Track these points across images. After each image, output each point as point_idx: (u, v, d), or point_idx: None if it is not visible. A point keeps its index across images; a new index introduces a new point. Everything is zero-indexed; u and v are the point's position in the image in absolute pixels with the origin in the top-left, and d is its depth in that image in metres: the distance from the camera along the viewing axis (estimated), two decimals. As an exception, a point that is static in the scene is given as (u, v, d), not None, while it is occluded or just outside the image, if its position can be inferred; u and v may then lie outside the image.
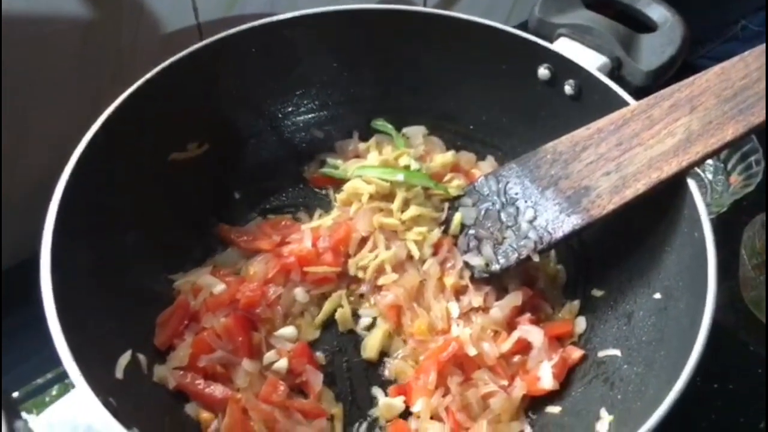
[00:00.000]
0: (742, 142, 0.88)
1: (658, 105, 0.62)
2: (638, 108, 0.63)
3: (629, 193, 0.61)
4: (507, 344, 0.65)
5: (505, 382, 0.63)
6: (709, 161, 0.91)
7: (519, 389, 0.63)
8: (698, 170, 0.91)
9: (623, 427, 0.52)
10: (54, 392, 0.66)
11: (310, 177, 0.80)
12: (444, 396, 0.62)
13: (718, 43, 1.04)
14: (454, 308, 0.68)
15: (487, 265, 0.68)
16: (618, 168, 0.62)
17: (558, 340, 0.66)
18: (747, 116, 0.59)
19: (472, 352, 0.64)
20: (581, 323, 0.68)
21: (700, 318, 0.52)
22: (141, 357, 0.60)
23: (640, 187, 0.60)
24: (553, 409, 0.62)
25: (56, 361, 0.48)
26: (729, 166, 0.91)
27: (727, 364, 0.74)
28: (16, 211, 0.75)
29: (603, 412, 0.57)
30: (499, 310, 0.67)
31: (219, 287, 0.68)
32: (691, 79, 0.62)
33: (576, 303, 0.69)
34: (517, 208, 0.67)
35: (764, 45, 0.61)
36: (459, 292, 0.69)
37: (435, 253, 0.71)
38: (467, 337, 0.64)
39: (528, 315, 0.67)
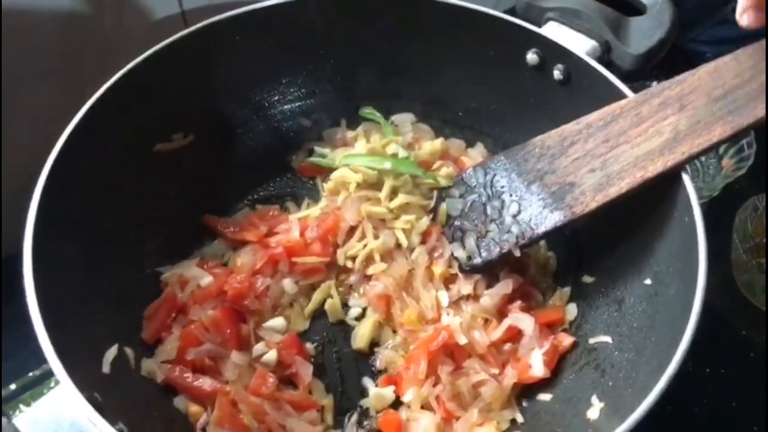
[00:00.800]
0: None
1: (648, 102, 0.62)
2: (627, 105, 0.62)
3: (613, 192, 0.60)
4: (497, 332, 0.65)
5: (496, 371, 0.63)
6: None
7: (510, 377, 0.62)
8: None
9: (614, 414, 0.52)
10: (44, 390, 0.65)
11: (298, 166, 0.80)
12: (434, 385, 0.62)
13: (708, 25, 1.03)
14: (444, 297, 0.67)
15: (469, 258, 0.67)
16: (603, 166, 0.61)
17: (549, 328, 0.66)
18: (735, 117, 0.58)
19: (462, 340, 0.63)
20: (572, 310, 0.67)
21: (691, 304, 0.51)
22: (128, 351, 0.60)
23: (623, 185, 0.60)
24: (545, 397, 0.62)
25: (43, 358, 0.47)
26: (721, 149, 0.90)
27: (719, 349, 0.74)
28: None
29: (594, 399, 0.57)
30: (489, 298, 0.66)
31: (206, 279, 0.67)
32: (682, 75, 0.61)
33: (567, 290, 0.69)
34: (503, 202, 0.66)
35: (756, 43, 0.60)
36: (448, 281, 0.69)
37: (423, 242, 0.70)
38: (457, 325, 0.64)
39: (519, 302, 0.67)
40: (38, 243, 0.53)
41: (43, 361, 0.46)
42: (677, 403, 0.68)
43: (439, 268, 0.68)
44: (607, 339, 0.62)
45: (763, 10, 0.57)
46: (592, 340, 0.63)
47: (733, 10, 1.00)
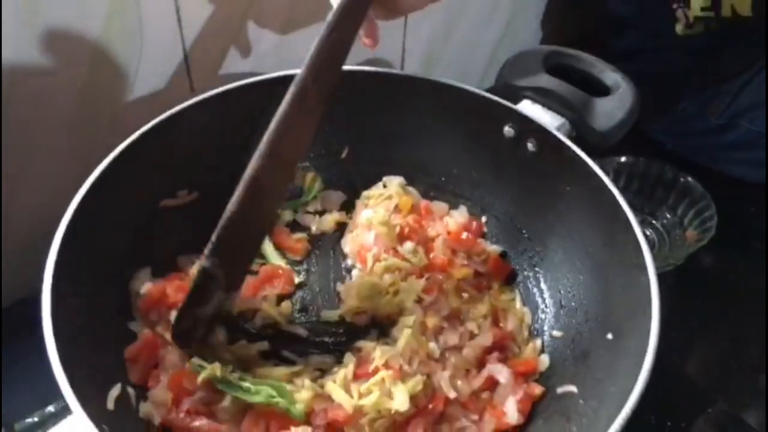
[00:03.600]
0: (698, 199, 0.96)
1: None
2: None
3: None
4: (477, 381, 0.69)
5: (476, 417, 0.67)
6: (668, 217, 0.99)
7: (489, 424, 0.66)
8: (658, 226, 0.99)
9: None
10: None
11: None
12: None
13: (664, 121, 1.14)
14: (435, 349, 0.71)
15: None
16: None
17: (523, 377, 0.70)
18: None
19: (452, 394, 0.67)
20: (545, 360, 0.72)
21: (644, 355, 0.57)
22: (130, 391, 0.64)
23: None
24: (512, 445, 0.67)
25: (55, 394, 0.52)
26: (685, 222, 0.98)
27: (680, 404, 0.80)
28: (16, 251, 0.79)
29: (558, 445, 0.62)
30: (471, 349, 0.71)
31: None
32: None
33: (539, 342, 0.74)
34: None
35: None
36: (437, 332, 0.73)
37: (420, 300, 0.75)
38: (447, 379, 0.68)
39: (496, 354, 0.72)
40: (55, 290, 0.58)
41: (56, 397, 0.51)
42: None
43: (432, 320, 0.73)
44: (573, 389, 0.67)
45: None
46: (559, 390, 0.68)
47: (683, 110, 1.12)
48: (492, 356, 0.71)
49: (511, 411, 0.66)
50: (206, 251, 0.63)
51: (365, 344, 0.71)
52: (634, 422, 0.70)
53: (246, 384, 0.65)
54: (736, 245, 0.98)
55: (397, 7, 0.67)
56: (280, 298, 0.77)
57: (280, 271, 0.78)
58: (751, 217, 1.04)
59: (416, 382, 0.65)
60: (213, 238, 0.63)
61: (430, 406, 0.66)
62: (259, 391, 0.64)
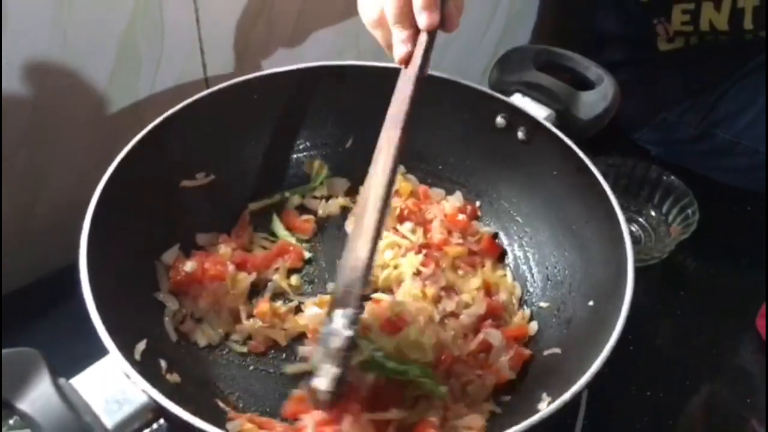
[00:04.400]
0: (681, 197, 1.03)
1: None
2: None
3: None
4: (474, 343, 0.75)
5: (479, 372, 0.73)
6: (653, 214, 1.06)
7: (491, 377, 0.72)
8: (644, 223, 1.07)
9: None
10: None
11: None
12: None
13: (647, 129, 1.21)
14: (435, 314, 0.78)
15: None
16: None
17: (515, 341, 0.76)
18: None
19: (455, 352, 0.74)
20: (534, 326, 0.79)
21: (619, 313, 0.64)
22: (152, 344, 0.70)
23: None
24: (506, 398, 0.73)
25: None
26: (670, 219, 1.05)
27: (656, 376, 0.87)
28: (45, 233, 0.86)
29: (544, 395, 0.67)
30: (467, 316, 0.78)
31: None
32: None
33: (527, 311, 0.81)
34: None
35: None
36: (435, 301, 0.80)
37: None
38: (450, 338, 0.75)
39: (490, 321, 0.78)
40: (89, 259, 0.64)
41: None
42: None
43: (431, 290, 0.79)
44: (557, 350, 0.73)
45: (437, 10, 0.64)
46: (546, 352, 0.74)
47: (664, 119, 1.19)
48: (486, 323, 0.77)
49: (504, 367, 0.73)
50: (350, 321, 0.60)
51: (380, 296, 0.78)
52: (616, 388, 0.78)
53: (391, 364, 0.68)
54: (718, 243, 1.04)
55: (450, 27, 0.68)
56: (290, 273, 0.84)
57: (291, 248, 0.84)
58: (733, 216, 1.11)
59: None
60: (355, 308, 0.61)
61: (443, 357, 0.73)
62: (408, 370, 0.69)
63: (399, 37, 0.65)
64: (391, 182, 0.63)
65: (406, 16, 0.64)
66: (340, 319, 0.60)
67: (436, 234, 0.85)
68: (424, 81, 0.65)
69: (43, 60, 0.76)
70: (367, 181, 0.66)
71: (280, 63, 0.97)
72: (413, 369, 0.70)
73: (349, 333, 0.59)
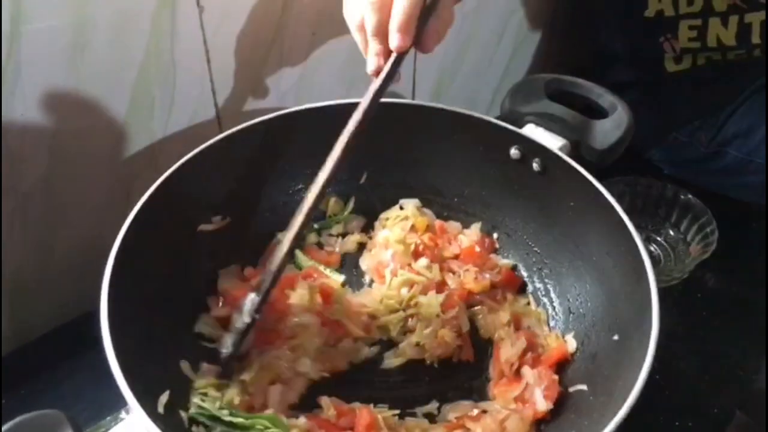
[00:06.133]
0: (699, 215, 1.02)
1: None
2: None
3: None
4: (518, 389, 0.74)
5: (513, 406, 0.73)
6: (671, 234, 1.05)
7: (529, 410, 0.71)
8: (663, 242, 1.05)
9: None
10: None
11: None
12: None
13: (658, 149, 1.21)
14: None
15: None
16: None
17: (557, 366, 0.76)
18: None
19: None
20: (572, 341, 0.78)
21: (646, 350, 0.62)
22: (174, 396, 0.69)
23: None
24: (536, 438, 0.72)
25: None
26: (689, 238, 1.04)
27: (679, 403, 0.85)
28: (64, 275, 0.86)
29: (573, 436, 0.67)
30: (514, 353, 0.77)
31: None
32: None
33: (558, 331, 0.81)
34: None
35: None
36: None
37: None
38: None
39: (530, 354, 0.77)
40: (111, 302, 0.64)
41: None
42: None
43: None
44: (584, 387, 0.72)
45: (409, 34, 0.65)
46: (571, 389, 0.73)
47: (674, 139, 1.20)
48: (526, 358, 0.76)
49: (540, 400, 0.72)
50: (254, 307, 0.70)
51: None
52: (645, 420, 0.77)
53: (239, 419, 0.68)
54: (737, 260, 1.03)
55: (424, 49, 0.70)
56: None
57: (316, 275, 0.84)
58: (752, 231, 1.10)
59: None
60: (261, 296, 0.70)
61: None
62: (252, 425, 0.68)
63: (373, 50, 0.67)
64: (335, 169, 0.69)
65: (383, 32, 0.65)
66: (249, 303, 0.70)
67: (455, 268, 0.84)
68: (384, 91, 0.69)
69: (59, 93, 0.77)
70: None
71: (289, 100, 0.98)
72: (260, 420, 0.68)
73: (247, 320, 0.70)
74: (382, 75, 0.67)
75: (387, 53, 0.66)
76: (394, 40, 0.64)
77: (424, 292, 0.82)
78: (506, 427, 0.70)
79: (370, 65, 0.67)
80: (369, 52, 0.67)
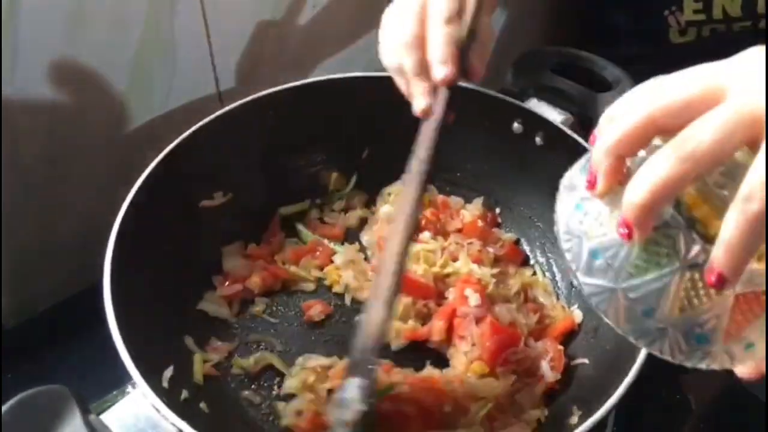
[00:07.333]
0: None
1: None
2: None
3: None
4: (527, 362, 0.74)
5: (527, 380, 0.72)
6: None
7: (539, 385, 0.72)
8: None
9: (587, 416, 0.62)
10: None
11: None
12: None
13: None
14: None
15: None
16: None
17: (563, 336, 0.76)
18: None
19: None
20: (578, 313, 0.78)
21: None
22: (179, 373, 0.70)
23: None
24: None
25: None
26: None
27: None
28: (66, 249, 0.86)
29: (574, 409, 0.67)
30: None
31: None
32: None
33: (563, 300, 0.81)
34: None
35: None
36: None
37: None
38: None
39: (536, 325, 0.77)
40: (114, 279, 0.65)
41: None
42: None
43: None
44: (585, 361, 0.73)
45: (454, 63, 0.62)
46: (573, 363, 0.74)
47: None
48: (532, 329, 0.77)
49: (547, 371, 0.72)
50: (364, 394, 0.56)
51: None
52: (645, 395, 0.77)
53: None
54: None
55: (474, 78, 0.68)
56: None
57: (320, 248, 0.85)
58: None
59: None
60: (369, 379, 0.57)
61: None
62: None
63: (418, 90, 0.63)
64: (409, 237, 0.60)
65: (425, 69, 0.62)
66: (354, 389, 0.56)
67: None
68: (439, 132, 0.65)
69: (58, 68, 0.76)
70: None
71: (291, 75, 0.97)
72: None
73: (362, 407, 0.55)
74: (438, 112, 0.64)
75: (432, 90, 0.63)
76: (439, 72, 0.62)
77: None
78: (516, 400, 0.71)
79: (418, 105, 0.64)
80: (414, 93, 0.64)
